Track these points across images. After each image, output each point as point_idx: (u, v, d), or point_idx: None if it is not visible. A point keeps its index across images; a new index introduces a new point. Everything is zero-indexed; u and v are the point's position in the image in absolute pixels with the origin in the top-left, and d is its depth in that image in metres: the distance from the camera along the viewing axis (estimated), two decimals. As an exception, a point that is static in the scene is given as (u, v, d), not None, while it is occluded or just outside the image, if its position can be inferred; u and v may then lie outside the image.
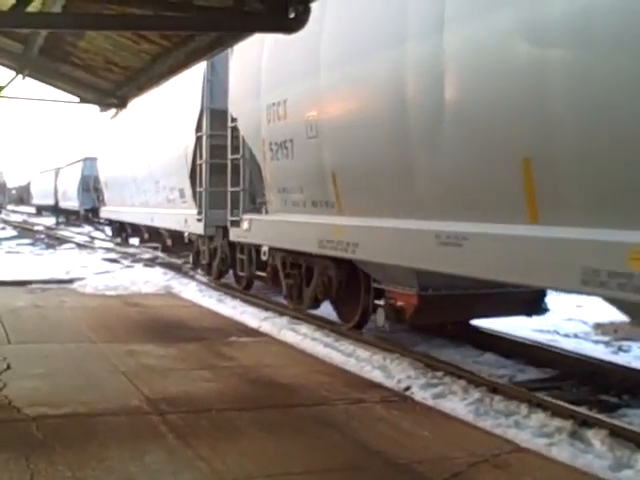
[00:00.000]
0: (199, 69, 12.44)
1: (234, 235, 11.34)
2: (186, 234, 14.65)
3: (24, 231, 33.62)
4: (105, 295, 11.98)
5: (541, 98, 5.13)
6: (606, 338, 9.26)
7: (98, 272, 14.84)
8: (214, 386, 6.28)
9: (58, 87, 10.31)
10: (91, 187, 32.81)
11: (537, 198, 5.35)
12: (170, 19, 5.90)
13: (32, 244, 25.22)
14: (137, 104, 12.16)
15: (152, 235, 19.28)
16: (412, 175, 6.67)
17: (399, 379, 6.60)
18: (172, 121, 14.74)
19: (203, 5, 5.79)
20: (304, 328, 9.09)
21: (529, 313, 8.39)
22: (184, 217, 14.10)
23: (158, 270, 15.64)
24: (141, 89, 9.24)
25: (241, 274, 12.23)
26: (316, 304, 9.70)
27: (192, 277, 14.73)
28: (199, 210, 13.21)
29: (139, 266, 16.83)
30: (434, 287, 7.55)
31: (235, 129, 11.14)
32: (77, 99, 10.33)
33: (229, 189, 11.49)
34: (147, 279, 13.75)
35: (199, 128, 13.15)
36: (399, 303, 7.81)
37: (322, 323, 9.46)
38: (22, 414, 5.28)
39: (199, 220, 13.21)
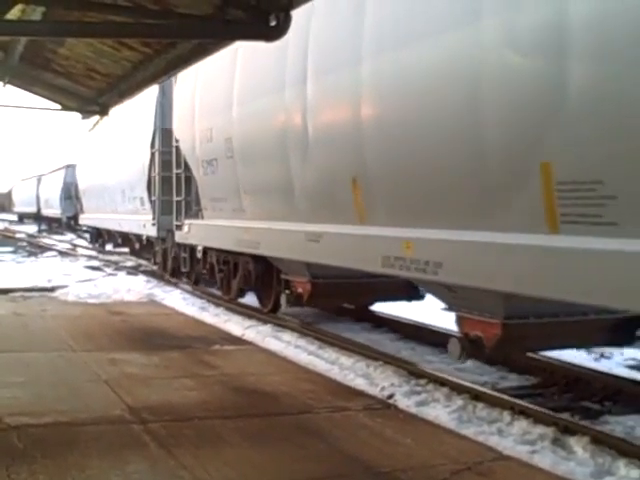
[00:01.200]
0: (153, 92, 14.18)
1: (178, 237, 13.55)
2: (144, 237, 16.87)
3: (5, 239, 33.39)
4: (87, 303, 11.91)
5: (359, 134, 7.09)
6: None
7: (80, 280, 14.76)
8: (197, 395, 6.26)
9: (39, 94, 10.25)
10: (73, 195, 32.66)
11: (363, 206, 7.42)
12: (151, 26, 5.87)
13: (14, 252, 25.04)
14: (110, 118, 13.25)
15: (124, 240, 20.72)
16: (291, 189, 8.73)
17: (382, 387, 6.60)
18: (133, 138, 16.71)
19: (184, 13, 5.78)
20: (287, 336, 9.08)
21: (409, 298, 9.72)
22: (143, 222, 16.00)
23: (141, 278, 15.56)
24: (122, 96, 9.20)
25: (183, 270, 14.20)
26: (242, 293, 11.78)
27: (175, 285, 14.67)
28: (153, 216, 15.18)
29: (122, 274, 16.76)
30: (324, 276, 9.32)
31: (178, 147, 13.12)
32: (59, 106, 10.27)
33: (174, 198, 13.60)
34: (130, 287, 13.69)
35: (153, 145, 15.09)
36: (298, 290, 9.76)
37: (306, 330, 9.46)
38: (3, 423, 5.23)
39: (153, 225, 15.20)
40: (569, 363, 7.83)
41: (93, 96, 9.74)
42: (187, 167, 12.69)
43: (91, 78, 9.05)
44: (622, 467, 4.70)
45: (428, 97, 6.23)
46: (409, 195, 6.78)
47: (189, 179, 12.89)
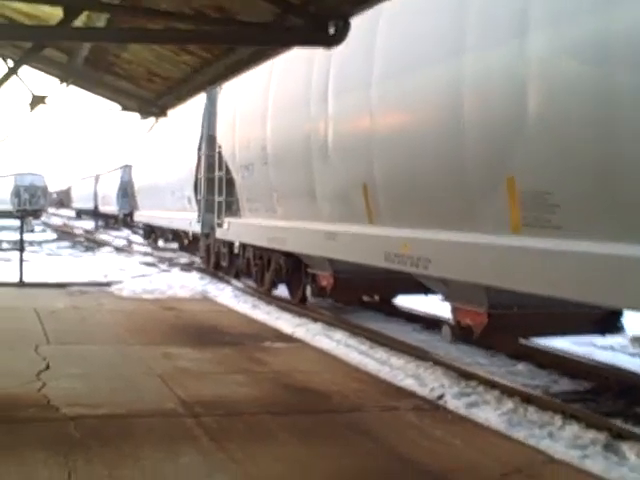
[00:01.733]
0: (201, 100, 15.65)
1: (219, 234, 14.79)
2: (190, 233, 18.36)
3: (64, 234, 34.21)
4: (142, 298, 12.14)
5: (369, 147, 8.31)
6: (644, 351, 9.14)
7: (135, 275, 15.05)
8: (248, 390, 6.35)
9: (101, 95, 10.49)
10: (129, 193, 33.34)
11: (372, 209, 8.59)
12: (212, 33, 5.98)
13: (72, 247, 25.68)
14: (164, 123, 16.14)
15: (174, 236, 22.19)
16: (314, 193, 10.04)
17: (432, 387, 6.61)
18: (183, 142, 18.17)
19: (245, 20, 5.87)
20: (338, 334, 9.13)
21: (426, 292, 9.77)
22: (189, 220, 17.40)
23: (194, 275, 15.80)
24: (181, 99, 9.37)
25: (223, 264, 15.41)
26: (274, 286, 12.97)
27: (228, 282, 14.86)
28: (199, 214, 16.56)
29: (176, 270, 17.03)
30: (345, 271, 10.29)
31: (220, 153, 14.38)
32: (119, 107, 10.50)
33: (216, 199, 14.80)
34: (183, 283, 13.92)
35: (200, 149, 16.53)
36: (323, 283, 10.79)
37: (357, 330, 9.50)
38: (60, 413, 5.40)
39: (198, 222, 16.61)
40: (623, 369, 7.71)
41: (152, 98, 9.93)
42: (228, 170, 13.91)
43: (151, 81, 9.24)
44: (676, 475, 4.63)
45: (421, 120, 7.53)
46: (407, 201, 8.03)
47: (230, 181, 13.95)
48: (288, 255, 11.74)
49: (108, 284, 13.51)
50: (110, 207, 41.21)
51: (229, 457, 4.64)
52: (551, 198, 5.83)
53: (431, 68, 7.18)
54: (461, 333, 7.79)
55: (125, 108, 10.28)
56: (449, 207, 7.17)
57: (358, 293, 11.56)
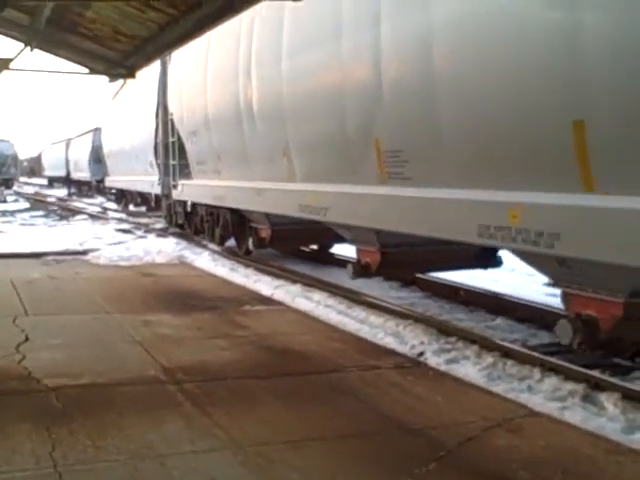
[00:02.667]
0: (157, 68, 16.32)
1: (175, 195, 16.23)
2: (153, 195, 20.01)
3: (37, 203, 33.82)
4: (119, 266, 12.07)
5: (284, 115, 9.65)
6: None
7: (111, 243, 14.93)
8: (229, 355, 6.36)
9: (67, 58, 10.29)
10: (102, 158, 32.93)
11: (290, 169, 9.87)
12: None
13: (45, 216, 25.39)
14: (129, 86, 17.35)
15: (142, 199, 23.85)
16: (246, 157, 11.43)
17: (412, 345, 6.65)
18: (144, 108, 18.96)
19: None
20: (317, 295, 9.14)
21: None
22: (151, 182, 18.59)
23: (171, 240, 15.70)
24: (149, 59, 9.21)
25: (180, 222, 16.65)
26: (223, 240, 14.18)
27: (205, 247, 14.79)
28: (159, 177, 17.64)
29: (152, 236, 16.91)
30: (281, 224, 11.55)
31: (172, 120, 15.51)
32: (86, 70, 10.31)
33: (171, 162, 16.03)
34: (160, 249, 13.84)
35: (157, 115, 17.41)
36: (262, 235, 12.25)
37: (335, 290, 9.53)
38: (41, 385, 5.38)
39: (159, 184, 17.70)
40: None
41: (120, 59, 9.76)
42: (179, 136, 15.08)
43: (118, 41, 9.06)
44: (653, 423, 4.72)
45: (315, 92, 8.97)
46: (313, 161, 9.46)
47: (182, 146, 15.00)
48: (233, 211, 13.12)
49: (84, 252, 13.40)
50: (82, 173, 40.68)
51: (213, 422, 4.66)
52: (402, 155, 7.35)
53: (319, 47, 8.57)
54: (362, 270, 9.00)
55: (92, 71, 10.10)
56: (340, 165, 8.63)
57: (294, 243, 13.18)
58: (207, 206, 14.46)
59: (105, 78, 10.91)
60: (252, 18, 10.37)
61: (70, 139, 46.39)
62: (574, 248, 5.43)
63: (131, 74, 10.33)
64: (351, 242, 9.57)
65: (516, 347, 6.71)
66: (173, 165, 15.89)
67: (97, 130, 34.41)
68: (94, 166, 36.79)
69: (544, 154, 5.59)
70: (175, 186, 15.90)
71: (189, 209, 15.68)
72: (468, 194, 6.45)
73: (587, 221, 5.26)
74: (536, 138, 5.63)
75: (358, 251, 9.16)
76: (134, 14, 7.83)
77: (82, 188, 43.38)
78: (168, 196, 17.07)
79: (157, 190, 18.22)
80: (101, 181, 35.22)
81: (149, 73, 15.62)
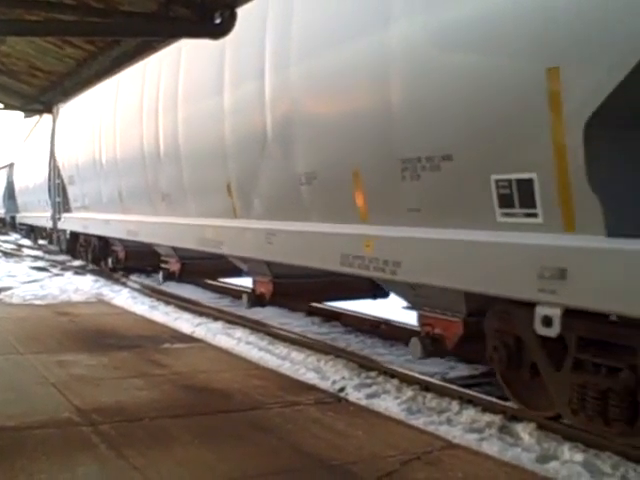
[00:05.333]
0: (47, 123, 18.86)
1: (59, 225, 19.26)
2: (48, 228, 22.40)
3: (-54, 241, 32.49)
4: (34, 305, 11.71)
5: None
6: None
7: (26, 281, 14.50)
8: (147, 394, 6.22)
9: (-20, 92, 10.05)
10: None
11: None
12: (95, 25, 5.82)
13: (-44, 254, 24.41)
14: (37, 129, 21.11)
15: (47, 234, 25.04)
16: (101, 197, 14.73)
17: (334, 380, 6.66)
18: (42, 151, 21.24)
19: (128, 10, 5.74)
20: (239, 332, 9.08)
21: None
22: (47, 217, 21.06)
23: (89, 277, 15.36)
24: (66, 94, 9.10)
25: (63, 248, 20.06)
26: (95, 261, 17.33)
27: (124, 284, 14.52)
28: (52, 212, 20.13)
29: (69, 274, 16.51)
30: (133, 246, 14.42)
31: (57, 165, 18.19)
32: (1, 105, 10.09)
33: (56, 199, 18.96)
34: (77, 287, 13.51)
35: (50, 160, 19.41)
36: (119, 256, 15.58)
37: (257, 326, 9.48)
38: (-53, 430, 5.13)
39: (51, 219, 20.31)
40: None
41: (36, 94, 9.61)
42: (62, 179, 17.93)
43: (34, 76, 8.93)
44: (566, 451, 4.84)
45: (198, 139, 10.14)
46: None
47: (64, 187, 17.96)
48: (100, 238, 16.39)
49: (-4, 291, 12.94)
50: (-4, 210, 39.37)
51: (129, 464, 4.52)
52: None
53: (204, 100, 9.33)
54: (256, 300, 9.51)
55: (7, 106, 9.89)
56: (219, 204, 9.38)
57: (143, 262, 15.47)
58: (83, 234, 17.78)
59: (21, 114, 10.70)
60: (117, 81, 11.35)
61: (-17, 174, 44.92)
62: (411, 274, 6.00)
63: (48, 109, 10.17)
64: (247, 274, 10.17)
65: (435, 380, 6.80)
66: (58, 202, 19.04)
67: (12, 166, 33.51)
68: (8, 202, 35.66)
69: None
70: (59, 218, 19.19)
71: (67, 236, 19.41)
72: (333, 228, 6.99)
73: (421, 251, 5.83)
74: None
75: (253, 282, 9.74)
76: (51, 50, 7.75)
77: (-4, 225, 41.94)
78: (54, 227, 20.39)
79: (49, 224, 21.07)
80: (15, 217, 34.23)
81: (46, 123, 19.06)
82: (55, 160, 18.34)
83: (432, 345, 6.24)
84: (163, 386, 6.49)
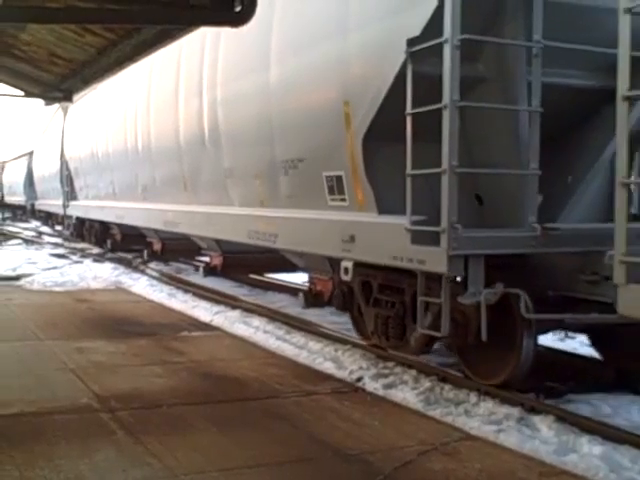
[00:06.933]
0: (60, 117, 22.28)
1: (67, 212, 22.38)
2: (60, 214, 25.02)
3: (-31, 228, 32.79)
4: (53, 292, 11.80)
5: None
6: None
7: (46, 268, 14.60)
8: (165, 382, 6.25)
9: (1, 81, 10.09)
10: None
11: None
12: (115, 12, 5.80)
13: (-23, 241, 24.64)
14: (54, 120, 23.82)
15: (62, 219, 27.13)
16: (99, 188, 17.43)
17: (351, 370, 6.65)
18: (55, 143, 23.72)
19: (148, -2, 5.73)
20: (256, 321, 9.09)
21: None
22: (60, 205, 23.30)
23: (107, 265, 15.45)
24: (86, 82, 9.11)
25: (72, 231, 23.06)
26: (99, 243, 19.69)
27: (142, 272, 14.59)
28: (63, 200, 22.75)
29: (88, 261, 16.61)
30: (129, 229, 16.26)
31: (65, 158, 21.24)
32: (22, 93, 10.13)
33: (65, 189, 21.95)
34: (96, 274, 13.59)
35: (62, 155, 22.15)
36: (116, 237, 18.22)
37: (275, 315, 9.49)
38: (-32, 415, 5.18)
39: (63, 206, 22.88)
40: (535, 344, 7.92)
41: (56, 82, 9.63)
42: (69, 170, 20.87)
43: (54, 64, 8.95)
44: (585, 444, 4.79)
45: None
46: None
47: (72, 177, 20.77)
48: (102, 222, 18.69)
49: (17, 278, 13.06)
50: (17, 197, 39.68)
51: (146, 450, 4.55)
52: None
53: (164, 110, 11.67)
54: (210, 270, 12.04)
55: (28, 94, 9.93)
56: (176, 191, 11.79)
57: (135, 244, 17.15)
58: (88, 220, 20.25)
59: (41, 101, 10.74)
60: (121, 80, 13.01)
61: (5, 162, 45.34)
62: (282, 243, 8.27)
63: (68, 97, 10.20)
64: (204, 250, 12.54)
65: (453, 372, 6.77)
66: (66, 191, 21.87)
67: (32, 154, 33.74)
68: (29, 189, 35.94)
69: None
70: (67, 206, 22.01)
71: (73, 220, 22.45)
72: (245, 211, 9.17)
73: (288, 225, 8.08)
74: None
75: (209, 257, 12.22)
76: (71, 38, 7.76)
77: (17, 212, 42.30)
78: (65, 213, 23.42)
79: (61, 210, 23.65)
80: (35, 205, 34.57)
81: (55, 120, 23.17)
82: (64, 154, 21.21)
83: (313, 298, 8.45)
84: (181, 374, 6.52)
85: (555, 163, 6.10)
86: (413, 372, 6.55)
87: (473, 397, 5.84)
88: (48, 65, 9.02)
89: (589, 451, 4.69)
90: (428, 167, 5.60)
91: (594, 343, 6.74)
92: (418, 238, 5.78)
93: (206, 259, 12.72)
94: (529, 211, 5.77)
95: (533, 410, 5.50)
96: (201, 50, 9.78)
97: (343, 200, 6.87)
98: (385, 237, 6.19)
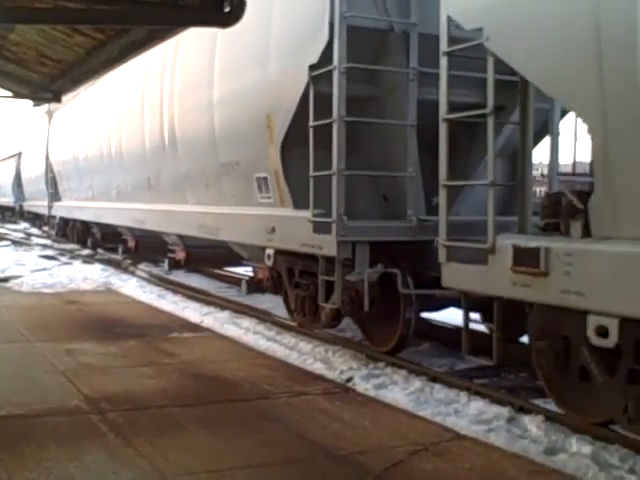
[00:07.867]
0: (45, 120, 23.47)
1: (51, 212, 23.54)
2: (46, 214, 25.65)
3: (-44, 229, 32.60)
4: (42, 293, 11.75)
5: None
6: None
7: (35, 270, 14.54)
8: (155, 383, 6.24)
9: (-11, 81, 10.04)
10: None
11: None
12: (104, 13, 5.78)
13: (-35, 242, 24.49)
14: (40, 122, 24.67)
15: (48, 220, 27.93)
16: (80, 188, 19.02)
17: (341, 370, 6.67)
18: (40, 146, 24.77)
19: (138, -1, 5.71)
20: (246, 322, 9.09)
21: None
22: (45, 206, 24.27)
23: (97, 266, 15.41)
24: (75, 83, 9.07)
25: (56, 231, 23.96)
26: (80, 241, 20.79)
27: (132, 273, 14.55)
28: (48, 201, 23.78)
29: (77, 262, 16.56)
30: (107, 228, 17.37)
31: (50, 160, 22.46)
32: (10, 93, 10.08)
33: (49, 190, 23.02)
34: (86, 276, 13.55)
35: (46, 157, 23.21)
36: (97, 237, 19.23)
37: (264, 316, 9.48)
38: (-43, 417, 5.15)
39: (48, 207, 23.84)
40: (524, 344, 7.95)
41: (45, 83, 9.57)
42: (53, 172, 22.10)
43: (43, 64, 8.89)
44: (574, 443, 4.82)
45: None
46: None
47: (55, 179, 22.11)
48: (83, 222, 19.90)
49: (5, 280, 13.00)
50: (5, 199, 39.46)
51: (137, 452, 4.54)
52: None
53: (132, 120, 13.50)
54: (175, 265, 13.78)
55: (17, 94, 9.88)
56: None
57: (112, 241, 18.27)
58: (72, 219, 21.30)
59: (29, 102, 10.69)
60: (100, 89, 15.64)
61: (-8, 163, 45.02)
62: (222, 235, 9.84)
63: (56, 98, 10.16)
64: (171, 246, 13.54)
65: (443, 372, 6.79)
66: (50, 192, 22.93)
67: (20, 155, 33.58)
68: (17, 191, 35.73)
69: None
70: (51, 207, 23.14)
71: (56, 220, 23.51)
72: (198, 208, 10.64)
73: (227, 220, 9.56)
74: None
75: (173, 252, 13.50)
76: (60, 38, 7.71)
77: (5, 213, 42.06)
78: (49, 214, 24.51)
79: (46, 211, 24.60)
80: (24, 206, 34.40)
81: (40, 124, 24.18)
82: (49, 158, 22.49)
83: (254, 285, 10.41)
84: (171, 375, 6.51)
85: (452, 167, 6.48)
86: (403, 372, 6.58)
87: (463, 397, 5.86)
88: (37, 66, 8.96)
89: (578, 450, 4.72)
90: (328, 170, 6.94)
91: (484, 320, 6.93)
92: (318, 228, 7.20)
93: (172, 255, 13.87)
94: (410, 206, 7.17)
95: (522, 410, 5.53)
96: (162, 66, 11.34)
97: (269, 197, 8.30)
98: (296, 228, 7.57)
